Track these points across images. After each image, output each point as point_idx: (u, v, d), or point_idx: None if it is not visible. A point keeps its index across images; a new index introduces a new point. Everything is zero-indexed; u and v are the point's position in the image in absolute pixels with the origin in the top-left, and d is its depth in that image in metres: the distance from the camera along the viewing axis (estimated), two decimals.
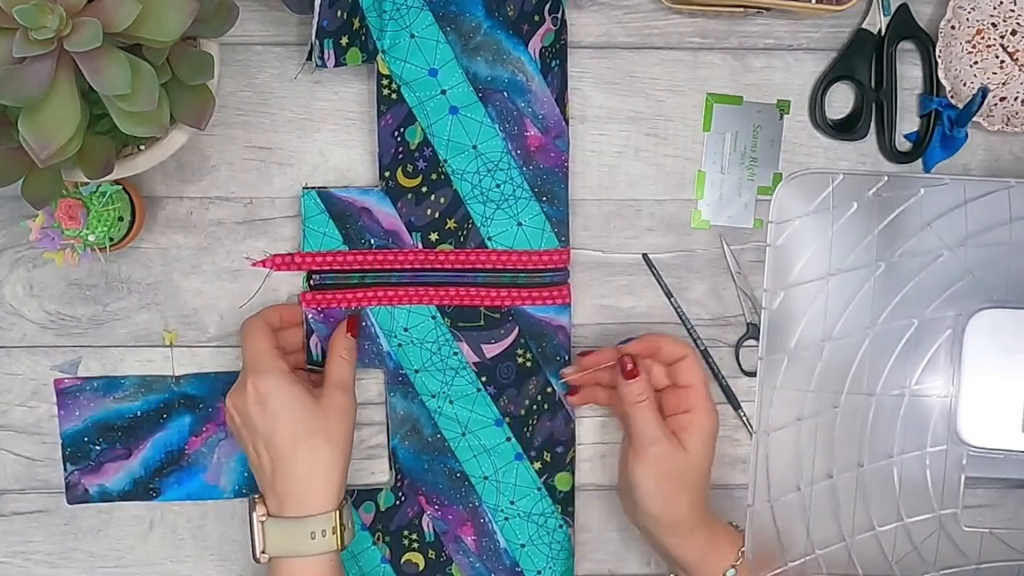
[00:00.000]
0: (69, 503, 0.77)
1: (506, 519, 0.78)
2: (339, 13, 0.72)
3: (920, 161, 0.78)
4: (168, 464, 0.77)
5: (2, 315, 0.77)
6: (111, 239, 0.71)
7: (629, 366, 0.72)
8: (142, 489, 0.77)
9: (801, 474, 0.77)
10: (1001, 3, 0.77)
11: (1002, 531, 0.78)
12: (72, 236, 0.70)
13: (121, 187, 0.71)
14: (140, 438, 0.77)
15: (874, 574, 0.77)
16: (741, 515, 0.78)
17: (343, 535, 0.68)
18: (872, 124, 0.78)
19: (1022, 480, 0.78)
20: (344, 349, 0.73)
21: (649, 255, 0.79)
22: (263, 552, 0.68)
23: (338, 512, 0.68)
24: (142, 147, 0.67)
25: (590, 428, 0.80)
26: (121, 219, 0.72)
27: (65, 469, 0.77)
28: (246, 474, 0.78)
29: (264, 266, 0.77)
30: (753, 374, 0.75)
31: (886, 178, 0.76)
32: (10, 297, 0.76)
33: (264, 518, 0.68)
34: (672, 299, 0.78)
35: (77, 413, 0.77)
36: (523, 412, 0.77)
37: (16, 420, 0.77)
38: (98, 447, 0.77)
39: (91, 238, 0.70)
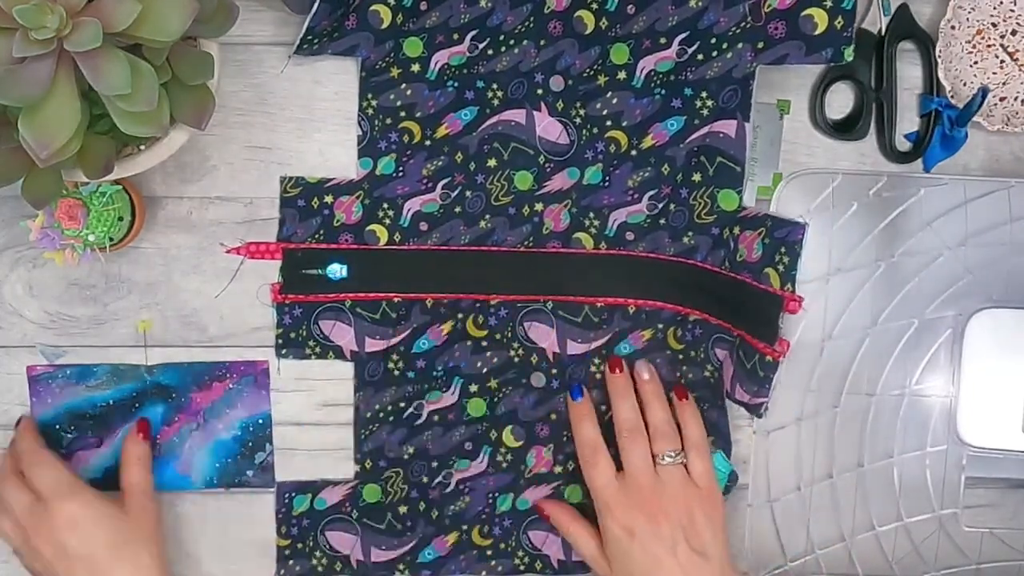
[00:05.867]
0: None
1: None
2: (336, 13, 0.72)
3: (920, 161, 0.78)
4: None
5: (2, 315, 0.77)
6: (111, 239, 0.71)
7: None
8: (113, 478, 0.77)
9: (801, 474, 0.77)
10: (1001, 3, 0.77)
11: (1002, 531, 0.78)
12: (72, 236, 0.70)
13: (121, 187, 0.71)
14: (112, 427, 0.77)
15: (874, 574, 0.78)
16: (741, 515, 0.78)
17: None
18: (872, 124, 0.78)
19: (1022, 480, 0.78)
20: (135, 456, 0.74)
21: None
22: None
23: None
24: (142, 147, 0.67)
25: None
26: (121, 219, 0.72)
27: None
28: (217, 464, 0.78)
29: (238, 253, 0.77)
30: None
31: (886, 178, 0.76)
32: (10, 297, 0.76)
33: None
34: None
35: (49, 400, 0.77)
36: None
37: (16, 420, 0.77)
38: (69, 435, 0.77)
39: (91, 238, 0.70)
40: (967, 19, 0.77)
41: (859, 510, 0.77)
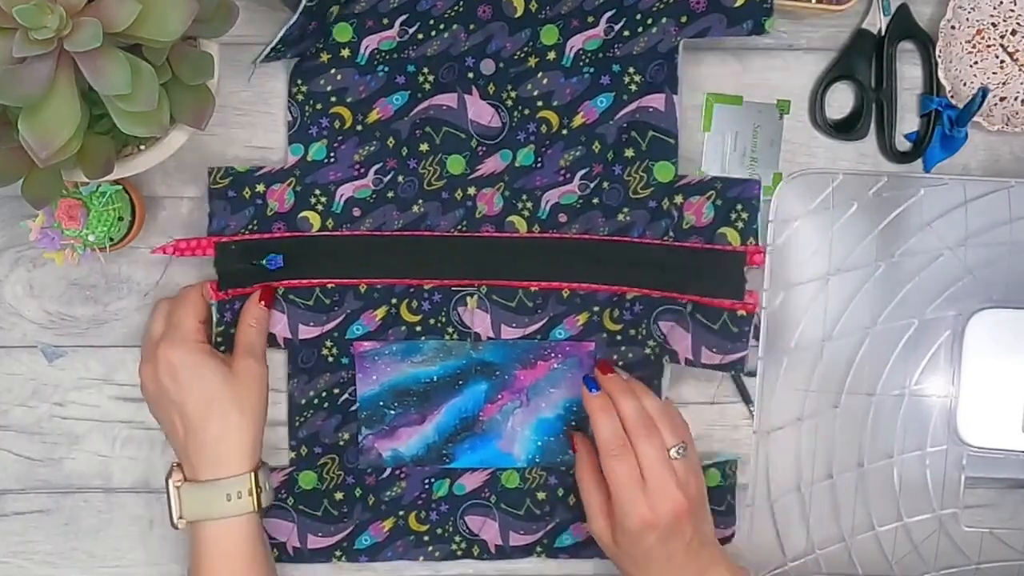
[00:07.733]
0: (362, 467, 0.77)
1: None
2: (310, 26, 0.72)
3: (920, 161, 0.78)
4: (462, 430, 0.78)
5: (2, 315, 0.77)
6: (111, 239, 0.71)
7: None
8: (435, 455, 0.78)
9: (801, 474, 0.77)
10: (1001, 3, 0.77)
11: (1002, 531, 0.78)
12: (72, 236, 0.70)
13: (121, 187, 0.71)
14: (435, 405, 0.78)
15: (874, 574, 0.78)
16: (741, 515, 0.78)
17: (259, 497, 0.70)
18: (872, 124, 0.78)
19: (1022, 480, 0.78)
20: (254, 318, 0.74)
21: None
22: (180, 518, 0.70)
23: (253, 474, 0.70)
24: (142, 147, 0.67)
25: None
26: (121, 219, 0.72)
27: (360, 433, 0.77)
28: (539, 443, 0.78)
29: (164, 252, 0.75)
30: (753, 374, 0.75)
31: (886, 178, 0.76)
32: (10, 297, 0.77)
33: (180, 483, 0.70)
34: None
35: (374, 377, 0.77)
36: None
37: (16, 420, 0.77)
38: (393, 412, 0.77)
39: (91, 238, 0.70)
40: (967, 19, 0.77)
41: (859, 510, 0.77)
